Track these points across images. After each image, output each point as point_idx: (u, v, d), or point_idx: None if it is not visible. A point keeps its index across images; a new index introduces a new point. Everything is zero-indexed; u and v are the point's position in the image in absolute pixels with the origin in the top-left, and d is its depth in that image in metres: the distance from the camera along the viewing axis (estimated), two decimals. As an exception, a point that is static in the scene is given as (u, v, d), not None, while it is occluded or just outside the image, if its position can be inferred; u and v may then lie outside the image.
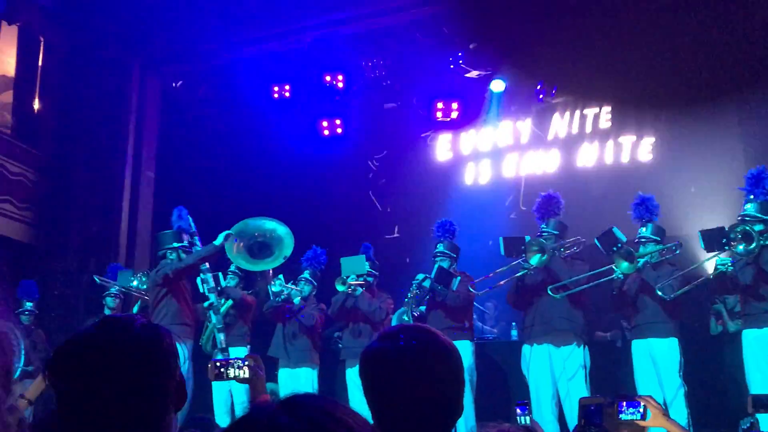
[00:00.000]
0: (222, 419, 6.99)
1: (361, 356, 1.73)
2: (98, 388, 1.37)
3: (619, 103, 9.00)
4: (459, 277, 6.54)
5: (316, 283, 7.49)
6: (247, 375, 3.02)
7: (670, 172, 8.36)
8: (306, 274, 7.38)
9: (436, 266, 6.64)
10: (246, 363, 3.04)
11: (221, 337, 6.78)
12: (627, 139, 9.10)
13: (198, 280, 7.11)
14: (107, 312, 7.98)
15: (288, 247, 7.11)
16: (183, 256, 6.73)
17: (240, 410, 7.08)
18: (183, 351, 6.41)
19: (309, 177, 9.78)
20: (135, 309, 7.74)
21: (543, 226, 6.44)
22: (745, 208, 5.62)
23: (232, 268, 7.72)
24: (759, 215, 5.54)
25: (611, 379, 6.71)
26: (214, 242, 6.66)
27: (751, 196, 5.63)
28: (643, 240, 6.10)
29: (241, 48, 9.63)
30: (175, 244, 6.73)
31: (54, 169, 9.78)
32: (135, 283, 7.66)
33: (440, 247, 6.87)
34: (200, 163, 9.76)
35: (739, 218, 5.60)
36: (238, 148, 9.90)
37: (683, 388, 5.77)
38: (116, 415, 1.37)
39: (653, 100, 8.65)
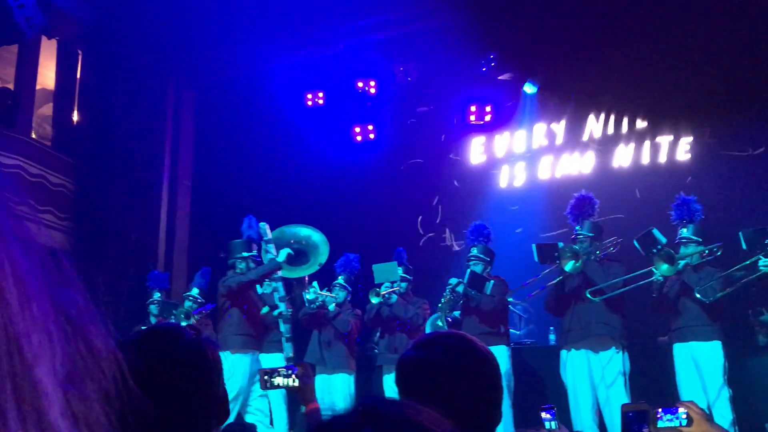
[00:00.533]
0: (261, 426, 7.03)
1: (396, 365, 1.72)
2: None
3: (654, 104, 8.86)
4: (492, 281, 6.49)
5: (350, 289, 7.49)
6: (296, 383, 3.01)
7: (708, 172, 8.21)
8: (340, 280, 7.36)
9: (468, 270, 6.59)
10: (295, 371, 3.03)
11: (288, 346, 6.84)
12: (664, 139, 8.94)
13: (268, 289, 7.22)
14: (152, 320, 8.11)
15: (323, 253, 7.14)
16: (252, 265, 6.77)
17: (279, 416, 7.10)
18: (239, 362, 6.40)
19: (343, 183, 9.81)
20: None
21: (577, 228, 6.35)
22: None
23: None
24: None
25: (655, 384, 6.59)
26: (276, 258, 6.74)
27: None
28: (683, 241, 6.00)
29: (274, 57, 9.72)
30: (245, 254, 6.77)
31: (93, 179, 9.97)
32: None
33: (474, 251, 6.82)
34: (235, 170, 9.87)
35: None
36: (273, 155, 9.98)
37: (728, 392, 5.64)
38: (157, 427, 1.36)
39: (690, 100, 8.50)
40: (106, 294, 9.46)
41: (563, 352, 6.25)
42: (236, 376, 6.45)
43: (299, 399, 3.06)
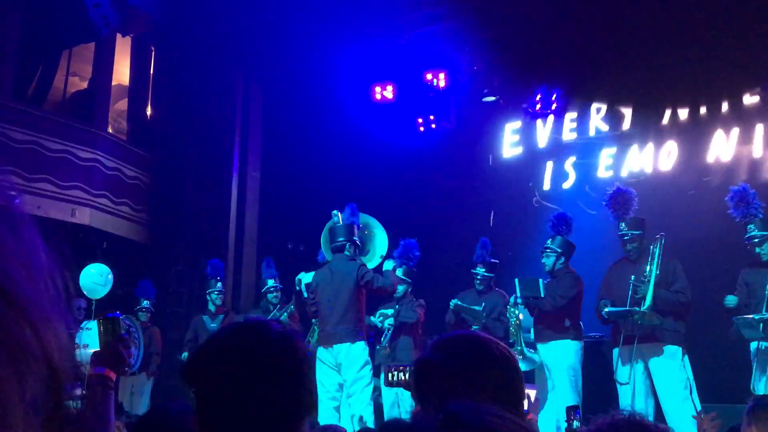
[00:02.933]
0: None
1: (413, 367, 1.71)
2: (232, 394, 1.40)
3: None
4: (541, 280, 6.37)
5: (410, 280, 7.39)
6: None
7: None
8: (398, 273, 7.16)
9: (516, 284, 6.50)
10: (409, 367, 3.00)
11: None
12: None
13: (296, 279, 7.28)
14: (211, 308, 8.28)
15: (382, 245, 7.08)
16: (356, 250, 6.71)
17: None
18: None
19: (408, 172, 9.78)
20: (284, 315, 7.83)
21: (622, 226, 6.19)
22: None
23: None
24: None
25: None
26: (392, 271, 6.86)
27: None
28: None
29: (341, 48, 9.77)
30: (353, 237, 6.71)
31: (166, 172, 10.27)
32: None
33: (549, 242, 6.63)
34: (303, 162, 9.98)
35: None
36: (339, 146, 10.04)
37: None
38: (250, 421, 1.40)
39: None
40: (178, 284, 9.75)
41: (615, 351, 6.16)
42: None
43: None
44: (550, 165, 9.26)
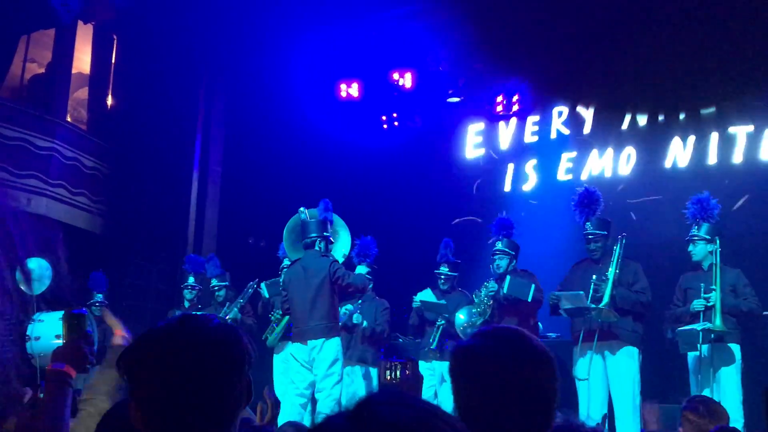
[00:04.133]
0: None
1: (451, 352, 1.73)
2: (171, 384, 1.40)
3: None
4: (533, 286, 6.44)
5: (371, 278, 7.35)
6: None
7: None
8: (362, 271, 7.16)
9: (507, 279, 6.54)
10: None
11: None
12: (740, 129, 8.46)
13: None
14: (185, 303, 8.22)
15: (345, 244, 7.08)
16: (329, 246, 6.75)
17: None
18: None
19: (371, 170, 9.80)
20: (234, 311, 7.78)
21: (588, 226, 6.26)
22: None
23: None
24: None
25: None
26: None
27: None
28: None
29: (307, 45, 9.75)
30: (324, 234, 6.68)
31: (125, 163, 10.11)
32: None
33: (499, 245, 6.77)
34: (266, 158, 9.92)
35: None
36: (303, 142, 10.01)
37: None
38: (189, 411, 1.40)
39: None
40: (136, 276, 9.62)
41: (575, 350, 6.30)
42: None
43: None
44: (511, 167, 9.41)
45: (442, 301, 7.20)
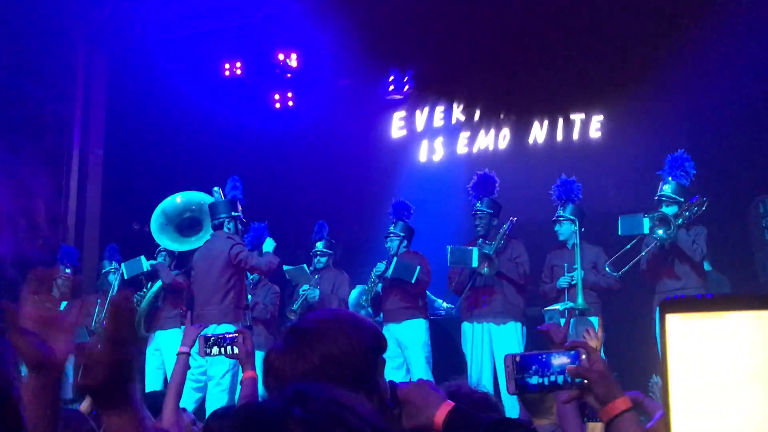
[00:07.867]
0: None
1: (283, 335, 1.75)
2: None
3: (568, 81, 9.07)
4: (419, 267, 6.62)
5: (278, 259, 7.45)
6: (236, 351, 3.02)
7: (617, 151, 8.53)
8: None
9: (395, 260, 6.71)
10: (235, 339, 3.03)
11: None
12: (577, 117, 9.23)
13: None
14: (54, 293, 7.84)
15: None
16: (240, 227, 6.55)
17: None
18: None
19: (261, 153, 9.70)
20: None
21: (477, 204, 6.70)
22: (663, 188, 5.91)
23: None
24: (674, 196, 5.82)
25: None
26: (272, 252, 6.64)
27: (669, 177, 5.90)
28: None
29: (190, 22, 9.46)
30: (233, 213, 6.52)
31: (-3, 145, 9.50)
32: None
33: (392, 228, 6.96)
34: (150, 140, 9.57)
35: (656, 198, 5.90)
36: (189, 123, 9.76)
37: None
38: None
39: (601, 79, 8.75)
40: (12, 267, 9.11)
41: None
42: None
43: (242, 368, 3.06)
44: (425, 143, 10.08)
45: (304, 265, 7.41)
